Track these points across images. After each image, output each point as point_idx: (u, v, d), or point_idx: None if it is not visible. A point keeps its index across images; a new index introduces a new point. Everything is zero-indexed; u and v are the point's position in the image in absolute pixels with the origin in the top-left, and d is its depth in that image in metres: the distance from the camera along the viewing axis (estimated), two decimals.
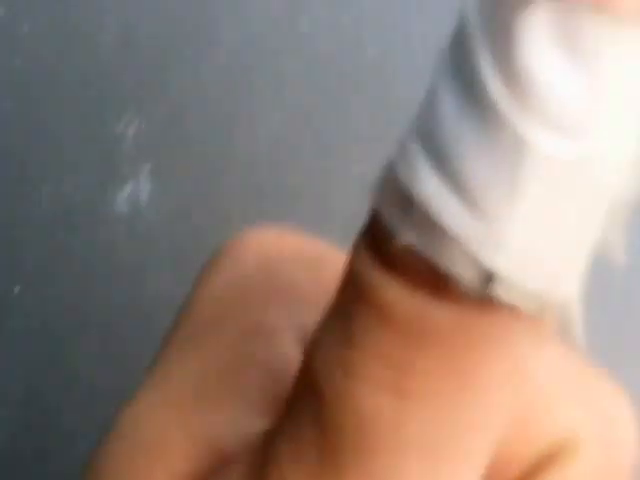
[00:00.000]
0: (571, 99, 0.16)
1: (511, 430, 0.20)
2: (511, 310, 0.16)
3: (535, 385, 0.21)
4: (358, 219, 0.18)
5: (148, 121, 0.38)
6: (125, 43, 0.39)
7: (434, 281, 0.17)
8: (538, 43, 0.16)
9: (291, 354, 0.22)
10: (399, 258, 0.17)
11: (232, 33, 0.39)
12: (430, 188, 0.16)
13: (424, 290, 0.17)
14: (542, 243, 0.16)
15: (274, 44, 0.39)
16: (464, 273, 0.16)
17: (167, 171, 0.38)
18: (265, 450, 0.18)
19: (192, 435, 0.20)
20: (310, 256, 0.24)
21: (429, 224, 0.16)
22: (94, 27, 0.38)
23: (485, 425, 0.18)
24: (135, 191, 0.38)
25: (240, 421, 0.20)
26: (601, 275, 0.18)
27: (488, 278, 0.16)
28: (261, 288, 0.23)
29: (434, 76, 0.17)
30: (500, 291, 0.16)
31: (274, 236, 0.24)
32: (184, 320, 0.23)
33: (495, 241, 0.16)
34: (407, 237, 0.17)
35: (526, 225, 0.16)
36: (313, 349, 0.18)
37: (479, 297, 0.16)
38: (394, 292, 0.17)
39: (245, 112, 0.39)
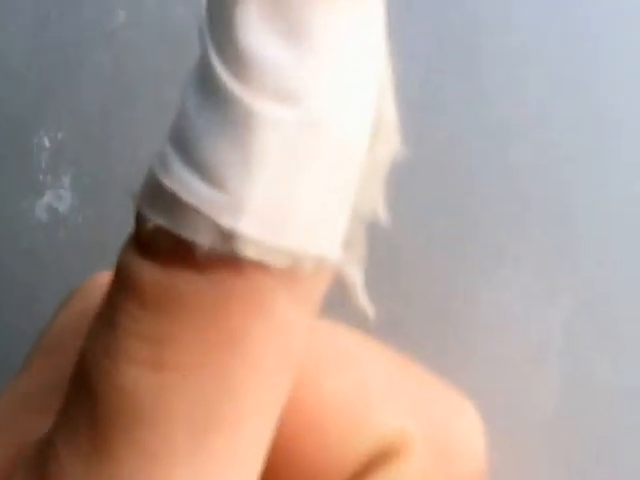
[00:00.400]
0: (286, 67, 0.17)
1: (333, 430, 0.21)
2: (260, 268, 0.17)
3: (361, 387, 0.22)
4: None
5: (66, 130, 0.39)
6: (35, 51, 0.39)
7: (182, 254, 0.17)
8: (253, 19, 0.17)
9: None
10: (152, 240, 0.18)
11: (152, 34, 0.39)
12: (174, 172, 0.17)
13: (174, 264, 0.18)
14: (289, 204, 0.17)
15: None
16: (207, 240, 0.17)
17: (87, 180, 0.38)
18: (43, 449, 0.18)
19: (5, 442, 0.21)
20: None
21: (174, 202, 0.17)
22: (3, 38, 0.39)
23: (259, 396, 0.18)
24: (54, 200, 0.38)
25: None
26: None
27: (229, 239, 0.17)
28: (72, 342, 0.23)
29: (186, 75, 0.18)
30: (243, 249, 0.17)
31: None
32: (36, 345, 0.24)
33: (235, 207, 0.17)
34: (157, 219, 0.17)
35: (265, 188, 0.17)
36: (85, 341, 0.18)
37: (225, 260, 0.17)
38: (147, 271, 0.18)
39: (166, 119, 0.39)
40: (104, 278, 0.25)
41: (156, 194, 0.18)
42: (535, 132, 0.33)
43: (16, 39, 0.39)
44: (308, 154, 0.17)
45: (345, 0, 0.17)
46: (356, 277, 0.19)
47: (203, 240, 0.17)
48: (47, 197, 0.38)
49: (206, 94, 0.17)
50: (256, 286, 0.18)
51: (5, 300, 0.38)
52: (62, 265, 0.38)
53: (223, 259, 0.17)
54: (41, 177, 0.38)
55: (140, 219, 0.18)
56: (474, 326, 0.33)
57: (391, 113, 0.19)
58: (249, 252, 0.17)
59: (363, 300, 0.19)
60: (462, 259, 0.33)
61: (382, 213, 0.19)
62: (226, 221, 0.17)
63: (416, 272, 0.34)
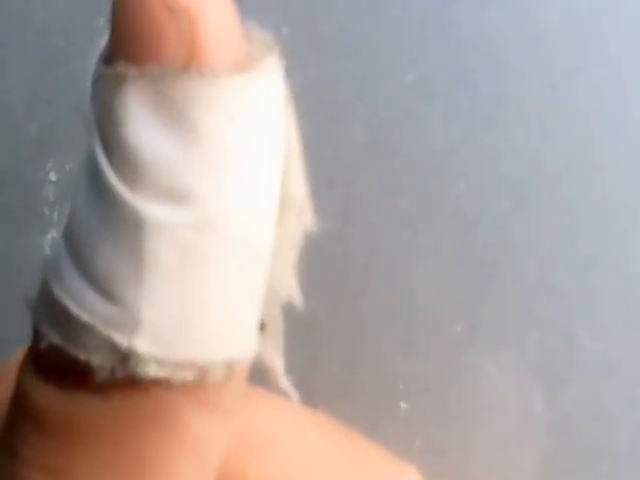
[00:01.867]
0: (174, 167, 0.16)
1: None
2: (164, 385, 0.16)
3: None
4: None
5: (74, 165, 0.38)
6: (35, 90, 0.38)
7: (80, 376, 0.16)
8: (138, 118, 0.16)
9: None
10: (49, 361, 0.17)
11: None
12: (67, 282, 0.16)
13: (72, 388, 0.16)
14: (189, 312, 0.16)
15: None
16: (104, 360, 0.16)
17: None
18: None
19: None
20: None
21: (67, 318, 0.16)
22: (8, 71, 0.38)
23: None
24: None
25: None
26: None
27: (128, 359, 0.16)
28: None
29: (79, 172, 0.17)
30: (143, 369, 0.16)
31: None
32: None
33: (131, 322, 0.16)
34: (50, 336, 0.16)
35: (162, 298, 0.16)
36: None
37: (125, 380, 0.16)
38: (44, 395, 0.17)
39: None
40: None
41: (50, 305, 0.16)
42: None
43: (22, 72, 0.38)
44: (207, 256, 0.16)
45: (231, 93, 0.16)
46: (276, 361, 0.18)
47: (100, 361, 0.16)
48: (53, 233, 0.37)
49: (95, 194, 0.16)
50: (162, 405, 0.16)
51: (10, 337, 0.36)
52: None
53: (123, 380, 0.16)
54: (47, 212, 0.37)
55: (36, 334, 0.17)
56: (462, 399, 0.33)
57: (300, 186, 0.18)
58: (150, 370, 0.16)
59: (284, 384, 0.19)
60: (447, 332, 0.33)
61: (296, 291, 0.18)
62: (122, 339, 0.16)
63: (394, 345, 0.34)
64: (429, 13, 0.34)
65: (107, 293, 0.16)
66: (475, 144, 0.33)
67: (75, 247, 0.16)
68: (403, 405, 0.34)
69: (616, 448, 0.32)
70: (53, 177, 0.37)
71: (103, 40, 0.18)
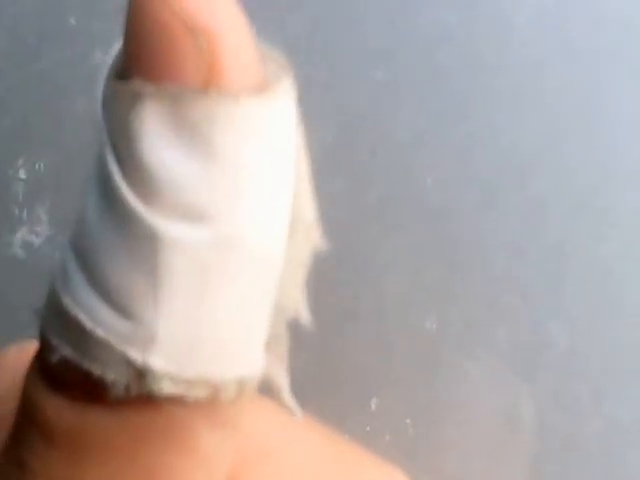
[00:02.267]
0: (192, 186, 0.16)
1: None
2: (177, 402, 0.16)
3: None
4: None
5: (44, 163, 0.37)
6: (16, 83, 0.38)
7: (92, 389, 0.16)
8: (155, 136, 0.16)
9: None
10: (59, 372, 0.17)
11: None
12: (79, 296, 0.16)
13: (83, 401, 0.16)
14: (203, 330, 0.16)
15: None
16: (118, 376, 0.16)
17: (63, 212, 0.37)
18: None
19: None
20: None
21: (80, 332, 0.16)
22: None
23: None
24: (30, 233, 0.37)
25: None
26: None
27: (143, 375, 0.16)
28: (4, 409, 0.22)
29: (87, 181, 0.17)
30: (158, 386, 0.16)
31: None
32: None
33: (146, 339, 0.16)
34: (62, 349, 0.16)
35: (177, 315, 0.16)
36: None
37: (139, 396, 0.16)
38: (55, 407, 0.17)
39: None
40: (26, 348, 0.23)
41: (60, 316, 0.16)
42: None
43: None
44: (221, 274, 0.16)
45: (248, 114, 0.16)
46: (281, 379, 0.18)
47: (114, 375, 0.16)
48: (23, 230, 0.37)
49: (108, 208, 0.16)
50: (174, 422, 0.16)
51: None
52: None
53: (137, 395, 0.16)
54: (17, 211, 0.37)
55: (45, 345, 0.17)
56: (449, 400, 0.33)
57: (309, 207, 0.18)
58: (164, 387, 0.16)
59: (289, 401, 0.19)
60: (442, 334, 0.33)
61: (303, 309, 0.18)
62: (137, 355, 0.16)
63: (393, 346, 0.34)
64: (397, 10, 0.34)
65: (122, 309, 0.16)
66: (443, 139, 0.34)
67: (86, 260, 0.16)
68: (374, 401, 0.34)
69: (585, 439, 0.32)
70: (23, 175, 0.37)
71: (113, 50, 0.17)
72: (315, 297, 0.32)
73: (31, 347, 0.22)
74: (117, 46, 0.17)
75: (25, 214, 0.37)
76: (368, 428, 0.34)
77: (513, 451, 0.33)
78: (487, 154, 0.34)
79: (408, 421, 0.33)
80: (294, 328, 0.19)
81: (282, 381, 0.18)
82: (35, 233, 0.37)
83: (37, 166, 0.37)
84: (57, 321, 0.16)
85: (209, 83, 0.16)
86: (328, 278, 0.33)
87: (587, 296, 0.33)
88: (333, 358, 0.34)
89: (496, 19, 0.34)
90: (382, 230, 0.34)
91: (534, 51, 0.34)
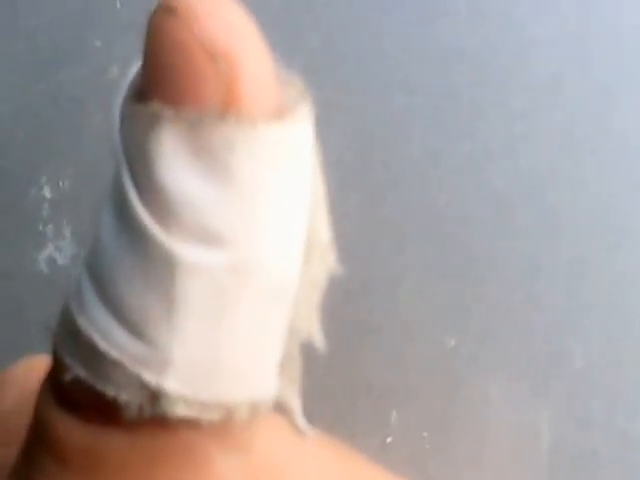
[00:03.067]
0: (209, 210, 0.16)
1: None
2: (191, 424, 0.16)
3: None
4: None
5: (68, 181, 0.38)
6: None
7: (105, 410, 0.16)
8: (172, 159, 0.16)
9: None
10: (72, 392, 0.17)
11: None
12: (93, 316, 0.16)
13: (96, 422, 0.16)
14: (218, 353, 0.16)
15: None
16: (132, 398, 0.16)
17: (87, 229, 0.38)
18: None
19: None
20: None
21: (94, 353, 0.16)
22: (1, 89, 0.38)
23: None
24: (55, 250, 0.37)
25: None
26: None
27: (157, 398, 0.16)
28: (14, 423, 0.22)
29: (102, 200, 0.17)
30: (172, 408, 0.16)
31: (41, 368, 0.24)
32: None
33: (161, 361, 0.16)
34: (76, 369, 0.16)
35: (192, 338, 0.16)
36: None
37: (153, 418, 0.16)
38: (66, 428, 0.16)
39: None
40: (21, 371, 0.23)
41: (74, 336, 0.16)
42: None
43: (14, 89, 0.38)
44: (237, 298, 0.16)
45: (267, 140, 0.16)
46: (293, 400, 0.18)
47: (127, 397, 0.16)
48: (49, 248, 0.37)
49: (125, 230, 0.16)
50: (189, 444, 0.16)
51: (10, 350, 0.37)
52: None
53: (151, 417, 0.16)
54: (42, 227, 0.37)
55: (58, 364, 0.17)
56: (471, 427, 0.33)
57: (324, 230, 0.18)
58: (178, 410, 0.16)
59: (301, 423, 0.18)
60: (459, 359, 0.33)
61: (317, 332, 0.18)
62: (152, 377, 0.16)
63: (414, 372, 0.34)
64: (413, 27, 0.34)
65: (137, 331, 0.16)
66: (458, 154, 0.33)
67: (102, 281, 0.16)
68: (394, 415, 0.34)
69: (601, 455, 0.32)
70: (48, 193, 0.38)
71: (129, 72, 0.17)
72: (332, 312, 0.32)
73: (41, 363, 0.23)
74: (134, 63, 0.17)
75: (50, 231, 0.37)
76: (389, 439, 0.34)
77: (529, 467, 0.33)
78: (502, 169, 0.33)
79: (425, 434, 0.33)
80: (312, 343, 0.19)
81: (294, 403, 0.18)
82: (59, 250, 0.37)
83: (61, 184, 0.37)
84: (71, 340, 0.16)
85: (227, 108, 0.16)
86: (345, 294, 0.33)
87: (603, 311, 0.33)
88: (351, 373, 0.34)
89: (512, 35, 0.34)
90: (398, 245, 0.34)
91: (549, 67, 0.34)
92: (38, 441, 0.17)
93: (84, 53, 0.37)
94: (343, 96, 0.34)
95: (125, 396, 0.16)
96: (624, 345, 0.33)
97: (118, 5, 0.37)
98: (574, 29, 0.33)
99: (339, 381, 0.34)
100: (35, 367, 0.23)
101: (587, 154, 0.33)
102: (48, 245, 0.37)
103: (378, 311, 0.34)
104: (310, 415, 0.18)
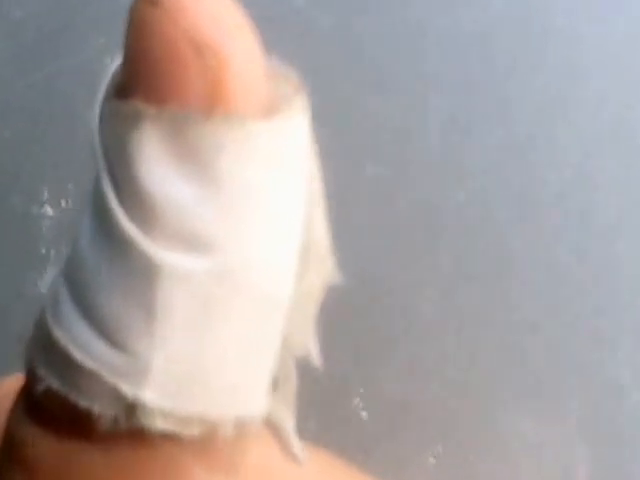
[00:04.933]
0: (194, 213, 0.15)
1: None
2: (172, 439, 0.15)
3: None
4: None
5: (71, 199, 0.37)
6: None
7: (79, 424, 0.15)
8: (155, 160, 0.15)
9: None
10: (45, 405, 0.16)
11: None
12: (69, 325, 0.15)
13: (70, 437, 0.16)
14: (200, 364, 0.15)
15: None
16: (107, 409, 0.15)
17: None
18: None
19: None
20: None
21: (69, 363, 0.15)
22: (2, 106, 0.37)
23: None
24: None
25: None
26: None
27: (133, 409, 0.15)
28: None
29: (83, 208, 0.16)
30: (149, 421, 0.15)
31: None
32: None
33: (139, 372, 0.15)
34: (49, 380, 0.16)
35: (174, 349, 0.15)
36: None
37: (130, 432, 0.15)
38: (39, 444, 0.16)
39: None
40: (9, 382, 0.22)
41: (48, 347, 0.16)
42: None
43: (16, 105, 0.38)
44: (224, 308, 0.15)
45: (256, 139, 0.15)
46: (286, 422, 0.17)
47: (102, 409, 0.15)
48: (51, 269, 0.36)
49: (103, 235, 0.15)
50: (168, 460, 0.16)
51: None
52: None
53: (127, 432, 0.15)
54: (44, 250, 0.36)
55: (31, 376, 0.16)
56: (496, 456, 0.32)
57: (322, 234, 0.17)
58: (156, 423, 0.15)
59: (295, 446, 0.18)
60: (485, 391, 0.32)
61: (314, 347, 0.17)
62: (129, 388, 0.15)
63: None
64: (427, 17, 0.34)
65: (114, 340, 0.15)
66: (477, 152, 0.32)
67: (79, 289, 0.15)
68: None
69: None
70: (50, 212, 0.37)
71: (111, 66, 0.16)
72: (347, 321, 0.31)
73: (17, 381, 0.22)
74: (118, 59, 0.16)
75: (52, 253, 0.36)
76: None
77: None
78: (523, 167, 0.32)
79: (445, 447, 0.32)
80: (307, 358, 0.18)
81: (288, 423, 0.17)
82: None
83: (63, 203, 0.37)
84: (45, 351, 0.16)
85: (214, 105, 0.15)
86: (358, 294, 0.32)
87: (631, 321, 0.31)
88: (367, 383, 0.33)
89: (530, 26, 0.33)
90: (415, 248, 0.33)
91: (570, 62, 0.32)
92: (11, 458, 0.16)
93: (74, 43, 0.36)
94: (357, 90, 0.33)
95: (99, 407, 0.15)
96: None
97: None
98: (596, 24, 0.32)
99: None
100: (8, 385, 0.22)
101: (611, 152, 0.32)
102: (50, 267, 0.36)
103: (395, 319, 0.32)
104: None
